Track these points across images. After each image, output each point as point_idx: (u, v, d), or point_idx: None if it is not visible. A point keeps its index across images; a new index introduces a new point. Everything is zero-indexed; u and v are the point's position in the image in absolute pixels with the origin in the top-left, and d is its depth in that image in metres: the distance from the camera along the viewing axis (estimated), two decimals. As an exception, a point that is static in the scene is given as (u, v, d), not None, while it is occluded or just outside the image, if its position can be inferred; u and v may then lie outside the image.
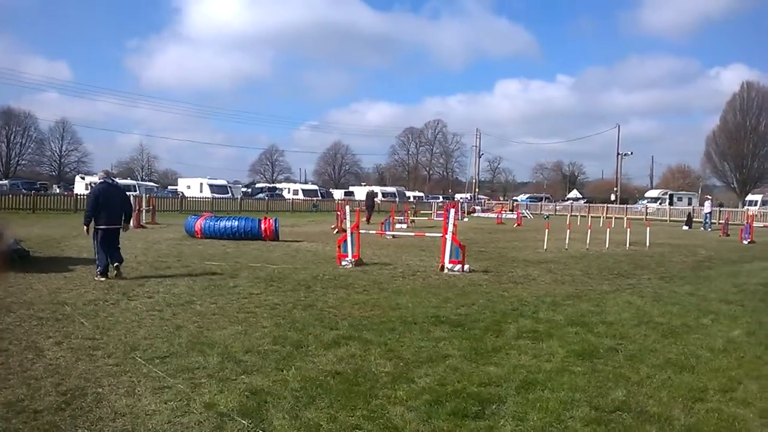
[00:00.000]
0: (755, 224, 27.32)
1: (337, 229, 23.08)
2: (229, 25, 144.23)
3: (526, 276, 12.18)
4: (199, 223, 18.81)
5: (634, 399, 5.01)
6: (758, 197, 65.72)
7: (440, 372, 5.61)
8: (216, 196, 48.34)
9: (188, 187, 55.53)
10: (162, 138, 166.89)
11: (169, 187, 65.06)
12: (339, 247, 13.19)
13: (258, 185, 75.95)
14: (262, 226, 18.41)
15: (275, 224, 18.60)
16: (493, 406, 4.76)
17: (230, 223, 18.54)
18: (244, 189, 67.47)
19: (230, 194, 52.22)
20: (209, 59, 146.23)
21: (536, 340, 6.87)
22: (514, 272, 12.69)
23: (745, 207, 55.67)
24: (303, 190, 62.48)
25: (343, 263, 12.83)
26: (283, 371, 5.54)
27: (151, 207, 28.66)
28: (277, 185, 73.02)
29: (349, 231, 13.07)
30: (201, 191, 52.05)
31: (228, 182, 59.64)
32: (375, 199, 37.80)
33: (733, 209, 48.23)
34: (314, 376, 5.42)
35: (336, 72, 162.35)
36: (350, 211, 13.89)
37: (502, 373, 5.59)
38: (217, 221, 18.73)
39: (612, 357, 6.26)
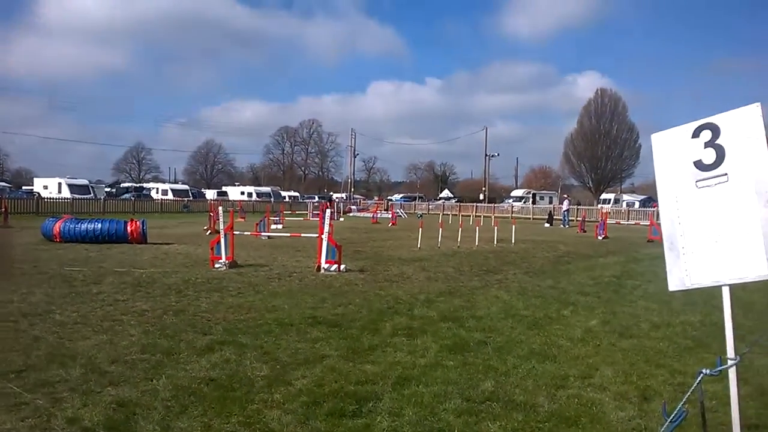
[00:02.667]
0: (609, 221, 29.52)
1: (209, 231, 22.44)
2: (87, 15, 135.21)
3: (401, 274, 12.44)
4: (58, 226, 17.59)
5: (503, 389, 5.25)
6: (611, 196, 71.28)
7: (317, 373, 5.60)
8: (77, 196, 45.30)
9: (45, 187, 51.55)
10: (12, 134, 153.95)
11: (24, 188, 60.19)
12: (212, 248, 12.81)
13: (123, 185, 71.95)
14: (129, 228, 17.51)
15: (143, 226, 17.75)
16: (370, 404, 4.82)
17: (93, 225, 17.47)
18: (108, 189, 63.74)
19: (92, 195, 49.14)
20: (65, 50, 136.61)
21: (411, 337, 7.04)
22: (390, 271, 12.92)
23: (600, 205, 60.10)
24: (173, 190, 60.06)
25: (217, 265, 12.48)
26: (152, 381, 5.30)
27: (3, 209, 26.42)
28: (145, 185, 69.63)
29: (222, 232, 12.74)
30: (60, 192, 48.56)
31: (90, 182, 56.18)
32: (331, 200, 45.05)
33: (589, 207, 51.89)
34: (186, 384, 5.23)
35: (205, 68, 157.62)
36: (224, 211, 13.53)
37: (378, 371, 5.67)
38: (78, 224, 17.59)
39: (482, 350, 6.53)
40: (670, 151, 3.42)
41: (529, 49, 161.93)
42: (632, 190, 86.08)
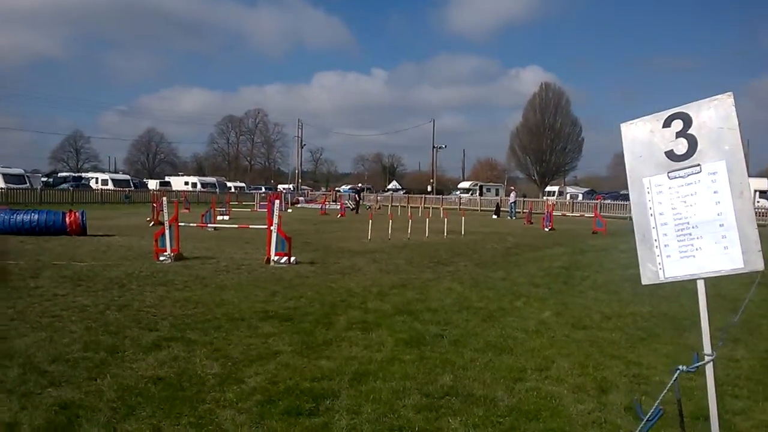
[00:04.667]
0: (555, 213, 30.03)
1: (153, 222, 21.80)
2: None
3: (353, 266, 12.29)
4: (-8, 218, 16.71)
5: (461, 383, 5.18)
6: (555, 188, 72.71)
7: (271, 370, 5.41)
8: (11, 186, 43.35)
9: (-24, 176, 49.30)
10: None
11: (-48, 177, 57.35)
12: (156, 240, 12.38)
13: (61, 174, 69.28)
14: (67, 219, 16.79)
15: (82, 217, 17.04)
16: (327, 401, 4.66)
17: (29, 216, 16.66)
18: (45, 179, 61.29)
19: (28, 184, 47.13)
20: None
21: (366, 331, 6.91)
22: (341, 263, 12.75)
23: (545, 197, 61.20)
24: (113, 180, 58.13)
25: (162, 258, 12.06)
26: (96, 380, 5.02)
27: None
28: (84, 174, 67.25)
29: (167, 223, 12.32)
30: (-8, 181, 46.46)
31: (26, 171, 53.84)
32: (359, 195, 46.28)
33: (535, 199, 52.76)
34: (133, 383, 4.96)
35: (143, 55, 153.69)
36: (168, 202, 13.08)
37: (334, 367, 5.52)
38: (13, 215, 16.74)
39: (438, 343, 6.46)
40: (640, 141, 3.35)
41: (474, 44, 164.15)
42: (575, 183, 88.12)
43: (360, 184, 51.67)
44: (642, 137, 3.37)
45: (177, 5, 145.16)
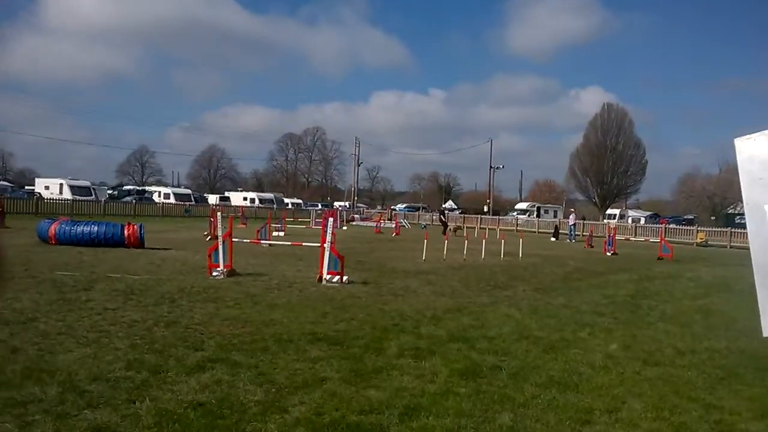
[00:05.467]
0: (617, 237, 28.97)
1: (210, 236, 21.96)
2: (91, 17, 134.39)
3: (406, 288, 11.92)
4: (54, 228, 17.09)
5: (522, 423, 4.74)
6: (616, 211, 70.75)
7: (317, 399, 5.09)
8: (78, 198, 44.90)
9: (47, 187, 51.15)
10: (17, 134, 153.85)
11: (26, 188, 59.77)
12: (209, 256, 12.31)
13: (126, 187, 71.53)
14: (126, 232, 17.02)
15: (140, 230, 17.26)
16: (375, 439, 4.31)
17: (89, 228, 16.99)
18: (110, 191, 63.37)
19: (94, 196, 48.74)
20: (69, 52, 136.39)
21: (418, 359, 6.52)
22: (394, 284, 12.40)
23: (606, 220, 59.55)
24: (175, 194, 59.62)
25: (214, 274, 11.97)
26: (135, 403, 4.80)
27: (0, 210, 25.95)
28: (147, 188, 69.24)
29: (220, 239, 12.23)
30: (61, 192, 48.15)
31: (93, 184, 55.74)
32: (444, 213, 43.80)
33: (595, 222, 51.33)
34: (172, 408, 4.71)
35: (209, 73, 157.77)
36: (223, 217, 13.01)
37: (383, 398, 5.15)
38: (73, 226, 17.11)
39: (496, 376, 6.01)
40: (761, 160, 2.85)
41: (533, 64, 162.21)
42: (637, 206, 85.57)
43: (444, 205, 49.99)
44: (764, 155, 2.87)
45: (240, 24, 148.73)
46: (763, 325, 2.92)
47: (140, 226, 17.60)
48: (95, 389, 5.08)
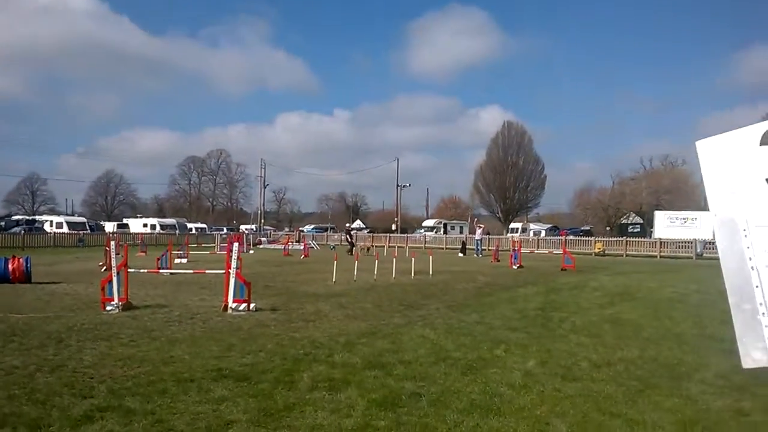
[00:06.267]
0: (522, 250, 29.62)
1: (105, 267, 20.60)
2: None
3: (317, 312, 11.45)
4: (-73, 266, 15.47)
5: (446, 456, 4.43)
6: (518, 225, 72.98)
7: (222, 446, 4.59)
8: (-41, 231, 41.49)
9: (-77, 221, 47.13)
10: None
11: None
12: (103, 289, 11.38)
13: (15, 218, 66.85)
14: (10, 266, 15.63)
15: (26, 263, 15.90)
16: (288, 489, 3.87)
17: (-33, 264, 15.49)
18: (-3, 222, 59.06)
19: (-23, 229, 45.20)
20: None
21: (333, 390, 6.10)
22: (304, 309, 11.90)
23: (509, 234, 61.23)
24: (68, 223, 56.19)
25: (108, 308, 11.06)
26: (7, 468, 4.14)
27: None
28: (38, 217, 65.01)
29: (114, 269, 11.35)
30: (-61, 226, 44.41)
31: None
32: (351, 233, 42.59)
33: (499, 236, 52.61)
34: (51, 471, 4.10)
35: (105, 96, 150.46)
36: (117, 245, 12.08)
37: (296, 439, 4.72)
38: (-51, 262, 15.55)
39: (416, 404, 5.68)
40: (728, 165, 2.57)
41: (434, 84, 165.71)
42: (538, 219, 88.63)
43: (352, 225, 48.96)
44: (731, 160, 2.62)
45: (137, 46, 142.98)
46: (741, 354, 2.64)
47: (26, 259, 16.24)
48: (-42, 455, 4.37)
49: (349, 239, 39.44)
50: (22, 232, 46.20)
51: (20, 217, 68.13)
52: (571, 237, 49.68)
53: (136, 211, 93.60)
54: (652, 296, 15.03)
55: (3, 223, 58.34)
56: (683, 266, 29.28)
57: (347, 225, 48.85)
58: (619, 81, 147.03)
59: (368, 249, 36.02)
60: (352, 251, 32.68)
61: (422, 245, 49.47)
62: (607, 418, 5.36)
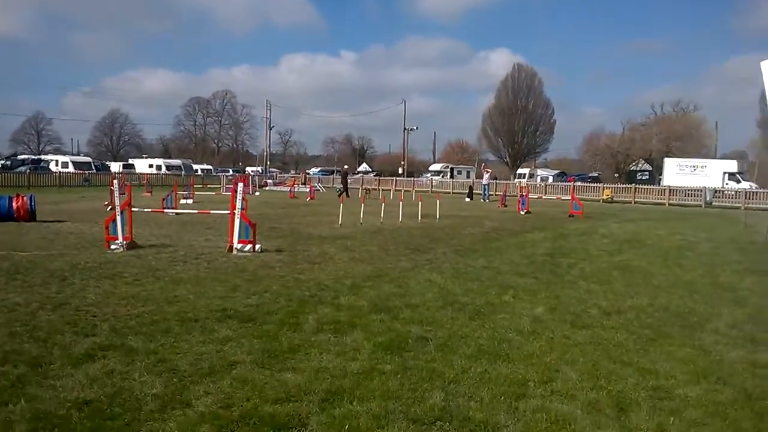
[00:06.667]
0: (530, 195, 29.40)
1: (110, 207, 20.51)
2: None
3: (323, 254, 11.34)
4: (-70, 202, 15.38)
5: (454, 402, 4.33)
6: (526, 170, 72.46)
7: (225, 387, 4.49)
8: (-36, 169, 41.38)
9: (-72, 158, 46.99)
10: None
11: None
12: (107, 227, 11.27)
13: (20, 157, 66.63)
14: (14, 204, 15.53)
15: (30, 202, 15.79)
16: (293, 432, 3.78)
17: (-29, 201, 15.39)
18: (2, 162, 58.87)
19: (-17, 168, 45.08)
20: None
21: (339, 333, 6.01)
22: (310, 251, 11.79)
23: (517, 180, 60.84)
24: (74, 163, 55.94)
25: (113, 247, 10.98)
26: (8, 405, 4.07)
27: None
28: (43, 157, 64.80)
29: (118, 209, 11.21)
30: (-55, 164, 44.28)
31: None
32: (348, 177, 38.98)
33: (507, 181, 52.24)
34: (52, 409, 4.01)
35: (108, 35, 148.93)
36: (120, 185, 11.90)
37: (301, 382, 4.62)
38: (-47, 199, 15.46)
39: (422, 348, 5.58)
40: None
41: (443, 26, 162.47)
42: (545, 165, 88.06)
43: (346, 165, 47.12)
44: None
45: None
46: None
47: (30, 197, 16.12)
48: (-43, 391, 4.29)
49: (345, 182, 36.80)
50: (28, 171, 46.09)
51: (26, 156, 67.95)
52: (579, 183, 49.31)
53: (142, 151, 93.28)
54: (662, 244, 14.87)
55: (9, 162, 58.23)
56: (692, 214, 29.05)
57: (344, 166, 46.98)
58: (632, 24, 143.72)
59: (368, 192, 35.42)
60: (341, 194, 31.63)
61: (429, 189, 49.25)
62: (618, 366, 5.24)
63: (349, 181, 38.42)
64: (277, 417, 3.98)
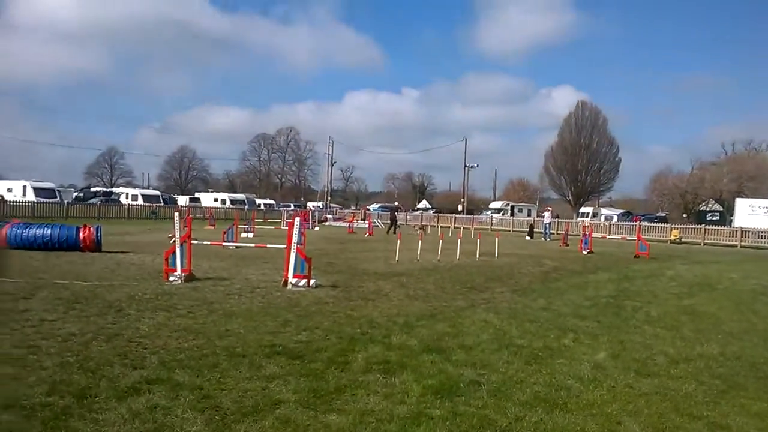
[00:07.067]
0: (594, 235, 28.57)
1: (174, 239, 21.00)
2: (58, 16, 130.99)
3: (378, 291, 11.19)
4: (4, 231, 16.05)
5: (506, 453, 4.06)
6: (589, 209, 70.84)
7: (267, 427, 4.36)
8: (42, 200, 43.32)
9: (9, 190, 49.33)
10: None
11: (-12, 191, 57.63)
12: (166, 259, 11.46)
13: (93, 189, 69.64)
14: (81, 234, 16.05)
15: (97, 232, 16.29)
16: (332, 480, 3.59)
17: (42, 231, 15.97)
18: (76, 194, 61.62)
19: (58, 199, 47.16)
20: (31, 50, 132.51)
21: (388, 374, 5.80)
22: (365, 287, 11.66)
23: (579, 219, 59.48)
24: (143, 196, 58.04)
25: (171, 279, 11.14)
26: (48, 439, 4.03)
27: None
28: (115, 189, 67.51)
29: (178, 241, 11.39)
30: (24, 195, 46.46)
31: (60, 186, 54.02)
32: (396, 213, 39.16)
33: (569, 220, 51.12)
34: (91, 444, 3.95)
35: (179, 73, 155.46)
36: (180, 218, 12.11)
37: (345, 425, 4.44)
38: (25, 228, 16.08)
39: (474, 393, 5.32)
40: None
41: (504, 63, 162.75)
42: (610, 204, 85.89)
43: (396, 202, 46.63)
44: None
45: (210, 23, 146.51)
46: None
47: (97, 228, 16.64)
48: (4, 420, 4.30)
49: (393, 217, 36.25)
50: (99, 203, 47.98)
51: (98, 188, 70.92)
52: (645, 223, 47.76)
53: (209, 186, 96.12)
54: (734, 288, 14.08)
55: (82, 194, 60.89)
56: (767, 257, 27.58)
57: (394, 203, 46.62)
58: (698, 61, 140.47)
59: (423, 228, 35.21)
60: (389, 231, 32.54)
61: (489, 227, 48.66)
62: (687, 420, 4.85)
63: (398, 217, 38.36)
64: (317, 462, 3.81)
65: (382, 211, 69.83)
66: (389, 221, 36.41)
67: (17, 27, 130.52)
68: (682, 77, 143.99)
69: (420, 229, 33.93)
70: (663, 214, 65.87)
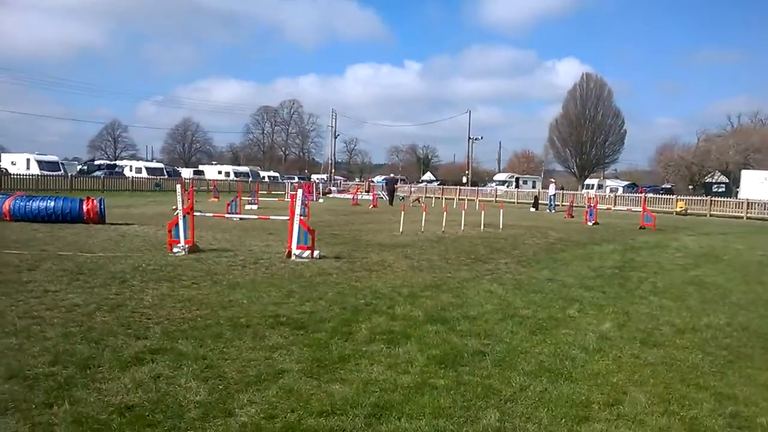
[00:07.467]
0: (599, 206, 28.45)
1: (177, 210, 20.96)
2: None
3: (382, 262, 11.14)
4: (8, 204, 16.03)
5: (510, 422, 4.04)
6: (594, 181, 70.53)
7: (270, 397, 4.33)
8: (45, 173, 43.27)
9: (13, 163, 49.31)
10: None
11: (-9, 163, 57.56)
12: (170, 231, 11.42)
13: (97, 162, 69.53)
14: (84, 206, 16.02)
15: (100, 204, 16.25)
16: (336, 449, 3.57)
17: (45, 203, 15.94)
18: (81, 167, 61.56)
19: (62, 172, 47.10)
20: (33, 25, 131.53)
21: (391, 344, 5.77)
22: (369, 258, 11.62)
23: (584, 190, 59.26)
24: (147, 168, 57.92)
25: (175, 250, 11.11)
26: (52, 407, 4.02)
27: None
28: (118, 162, 67.41)
29: (181, 213, 11.34)
30: (28, 168, 46.42)
31: (65, 159, 53.89)
32: (396, 185, 39.63)
33: (574, 192, 50.92)
34: (94, 413, 3.95)
35: (181, 46, 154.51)
36: (183, 190, 12.03)
37: (349, 394, 4.42)
38: (29, 201, 16.05)
39: (479, 363, 5.29)
40: None
41: (508, 35, 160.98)
42: (615, 176, 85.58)
43: (392, 174, 46.56)
44: None
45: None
46: None
47: (101, 200, 16.60)
48: (8, 390, 4.29)
49: (389, 190, 36.64)
50: (103, 175, 47.93)
51: (102, 161, 70.81)
52: (651, 195, 47.55)
53: (212, 158, 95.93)
54: (740, 259, 14.01)
55: (86, 167, 60.84)
56: (773, 229, 27.46)
57: (391, 175, 46.63)
58: (706, 33, 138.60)
59: (418, 200, 35.45)
60: (392, 202, 33.49)
61: (493, 199, 48.53)
62: (693, 390, 4.82)
63: (395, 190, 38.44)
64: (320, 430, 3.79)
65: (386, 182, 69.70)
66: (387, 192, 37.05)
67: (20, 1, 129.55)
68: (688, 50, 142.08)
69: (416, 201, 34.28)
70: (669, 186, 65.62)
